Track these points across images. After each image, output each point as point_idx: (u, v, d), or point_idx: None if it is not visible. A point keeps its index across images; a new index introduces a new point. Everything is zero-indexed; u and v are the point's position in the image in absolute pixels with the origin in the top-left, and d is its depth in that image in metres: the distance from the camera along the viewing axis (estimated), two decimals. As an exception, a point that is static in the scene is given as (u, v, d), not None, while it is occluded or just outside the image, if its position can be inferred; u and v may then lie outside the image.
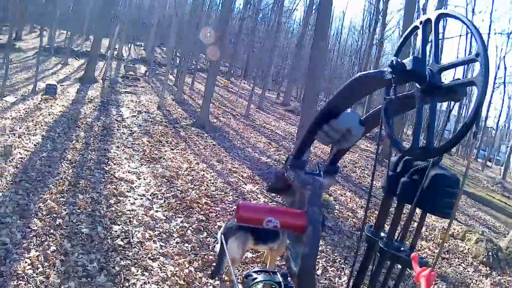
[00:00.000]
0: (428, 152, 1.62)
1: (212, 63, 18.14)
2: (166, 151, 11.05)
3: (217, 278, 5.43)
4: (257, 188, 9.78)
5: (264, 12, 47.42)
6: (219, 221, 7.16)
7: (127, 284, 4.93)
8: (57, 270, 4.81)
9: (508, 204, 22.33)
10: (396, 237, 1.94)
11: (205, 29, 30.21)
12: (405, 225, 1.91)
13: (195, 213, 7.33)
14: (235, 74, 47.29)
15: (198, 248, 6.18)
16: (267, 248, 5.93)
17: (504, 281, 9.35)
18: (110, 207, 6.79)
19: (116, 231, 6.06)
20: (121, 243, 5.76)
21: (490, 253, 10.16)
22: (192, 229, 6.69)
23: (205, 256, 6.03)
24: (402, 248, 1.85)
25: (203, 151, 12.11)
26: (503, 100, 56.30)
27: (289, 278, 2.03)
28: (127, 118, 14.27)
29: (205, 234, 6.67)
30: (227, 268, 5.51)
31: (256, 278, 1.99)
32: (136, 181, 8.35)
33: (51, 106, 13.84)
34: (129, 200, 7.26)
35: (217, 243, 5.38)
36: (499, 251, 10.40)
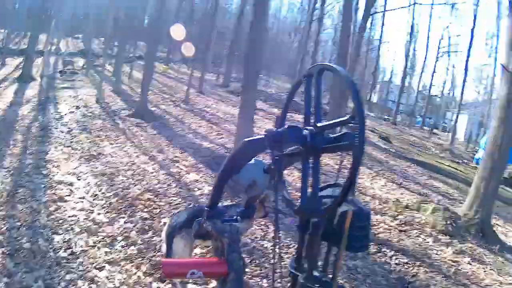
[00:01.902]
0: (314, 212, 1.83)
1: (149, 49, 17.77)
2: (105, 146, 10.69)
3: (168, 280, 5.19)
4: (201, 177, 9.51)
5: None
6: (164, 218, 6.88)
7: (74, 300, 4.65)
8: (1, 293, 4.49)
9: (458, 169, 22.63)
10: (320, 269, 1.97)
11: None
12: (325, 259, 1.97)
13: (138, 211, 7.04)
14: (174, 59, 46.46)
15: (144, 250, 5.90)
16: (216, 242, 5.71)
17: (466, 248, 9.23)
18: (50, 215, 6.42)
19: (58, 241, 5.71)
20: (65, 254, 5.42)
21: (448, 222, 9.95)
22: (137, 230, 6.40)
23: (153, 258, 5.77)
24: (324, 279, 1.88)
25: (143, 143, 11.76)
26: (447, 69, 57.45)
27: None
28: (65, 115, 13.75)
29: (150, 233, 6.39)
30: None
31: None
32: (75, 182, 7.99)
33: (-12, 110, 13.19)
34: (69, 205, 6.90)
35: (163, 243, 5.12)
36: (457, 219, 10.25)
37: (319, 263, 1.99)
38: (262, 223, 7.27)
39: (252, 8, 12.85)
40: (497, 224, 12.14)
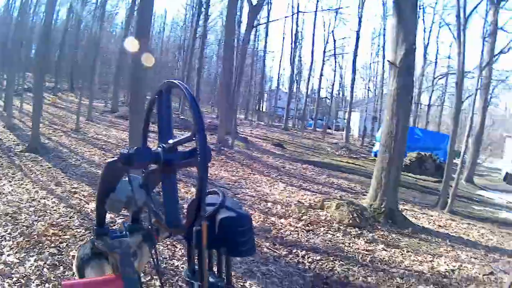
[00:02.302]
0: (178, 228, 1.82)
1: (37, 80, 17.29)
2: (4, 185, 10.33)
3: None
4: (100, 206, 9.56)
5: (87, 20, 45.86)
6: (72, 250, 6.94)
7: None
8: None
9: (357, 164, 23.53)
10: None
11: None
12: (218, 264, 1.91)
13: (46, 247, 7.01)
14: (61, 88, 44.89)
15: (59, 286, 5.98)
16: (126, 269, 5.88)
17: (378, 236, 9.77)
18: (-40, 263, 6.29)
19: (-27, 289, 5.60)
20: (-17, 301, 5.34)
21: (355, 215, 10.33)
22: (48, 266, 6.41)
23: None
24: (219, 284, 1.84)
25: (40, 177, 11.55)
26: (335, 71, 60.08)
27: None
28: (-42, 157, 13.14)
29: (61, 268, 6.43)
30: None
31: None
32: (-20, 226, 7.75)
33: None
34: (-22, 250, 6.77)
35: (76, 276, 5.24)
36: (363, 210, 10.72)
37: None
38: (168, 243, 7.52)
39: (135, 31, 12.91)
40: (405, 209, 12.83)
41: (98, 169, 13.17)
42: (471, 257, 9.42)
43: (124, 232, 2.17)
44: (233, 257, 1.94)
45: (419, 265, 8.44)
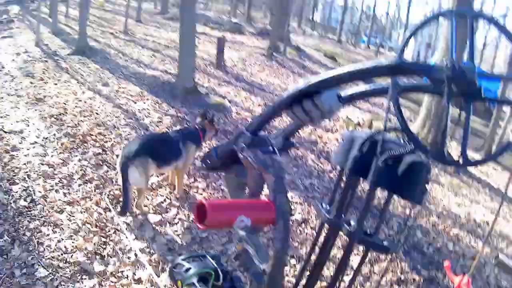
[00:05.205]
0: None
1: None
2: (50, 87, 9.83)
3: (128, 214, 4.93)
4: (148, 105, 9.11)
5: None
6: (116, 149, 6.53)
7: (41, 248, 4.32)
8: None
9: None
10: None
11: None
12: (382, 211, 1.57)
13: (90, 147, 6.61)
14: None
15: (101, 186, 5.59)
16: (171, 169, 5.46)
17: None
18: (6, 167, 5.82)
19: (16, 191, 5.21)
20: (25, 203, 4.98)
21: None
22: (91, 166, 6.03)
23: (111, 193, 5.46)
24: (368, 231, 1.49)
25: (87, 78, 11.00)
26: None
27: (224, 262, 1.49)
28: (6, 64, 12.59)
29: (105, 167, 6.05)
30: (136, 200, 5.05)
31: (189, 269, 1.41)
32: (25, 129, 7.25)
33: None
34: (22, 153, 6.30)
35: (119, 174, 4.81)
36: None
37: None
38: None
39: None
40: (451, 146, 12.45)
41: (147, 69, 12.69)
42: (507, 213, 8.79)
43: (273, 150, 1.53)
44: (409, 201, 1.45)
45: (457, 207, 8.00)
